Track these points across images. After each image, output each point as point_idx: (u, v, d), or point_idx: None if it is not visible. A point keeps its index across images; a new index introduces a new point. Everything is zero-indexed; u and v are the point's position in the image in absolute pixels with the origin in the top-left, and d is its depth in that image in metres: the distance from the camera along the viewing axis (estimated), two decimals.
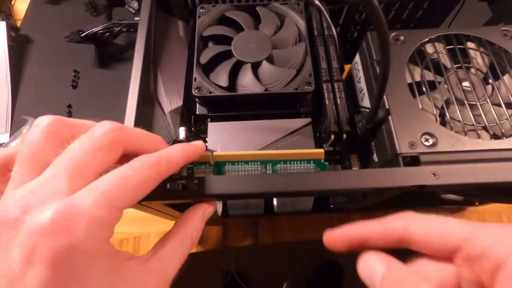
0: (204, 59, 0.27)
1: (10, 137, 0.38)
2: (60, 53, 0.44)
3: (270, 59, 0.28)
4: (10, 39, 0.43)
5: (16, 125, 0.39)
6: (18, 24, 0.47)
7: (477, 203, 0.35)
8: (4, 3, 0.48)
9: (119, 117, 0.22)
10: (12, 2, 0.49)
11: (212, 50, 0.28)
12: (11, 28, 0.44)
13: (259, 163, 0.21)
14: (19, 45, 0.44)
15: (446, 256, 0.15)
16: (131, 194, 0.15)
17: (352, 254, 0.17)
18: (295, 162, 0.21)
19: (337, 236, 0.17)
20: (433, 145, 0.22)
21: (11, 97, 0.40)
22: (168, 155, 0.17)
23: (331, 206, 0.32)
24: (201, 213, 0.19)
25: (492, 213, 0.38)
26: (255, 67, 0.27)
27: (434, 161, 0.22)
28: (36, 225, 0.12)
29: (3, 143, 0.38)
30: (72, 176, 0.14)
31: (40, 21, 0.47)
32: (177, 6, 0.33)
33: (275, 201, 0.28)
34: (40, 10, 0.48)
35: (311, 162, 0.21)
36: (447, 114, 0.23)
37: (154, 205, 0.23)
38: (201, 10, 0.30)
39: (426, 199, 0.32)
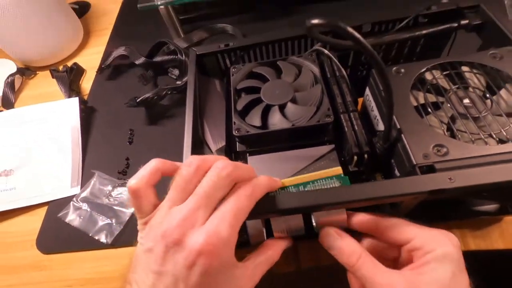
0: (240, 106, 0.34)
1: (81, 188, 0.46)
2: (118, 116, 0.54)
3: (293, 101, 0.33)
4: (81, 110, 0.54)
5: (85, 177, 0.47)
6: (86, 98, 0.58)
7: None
8: (75, 84, 0.60)
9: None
10: (80, 82, 0.62)
11: (245, 99, 0.35)
12: (81, 102, 0.55)
13: (292, 187, 0.27)
14: (87, 114, 0.55)
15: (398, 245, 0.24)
16: (243, 217, 0.21)
17: None
18: (321, 180, 0.25)
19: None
20: (445, 154, 0.25)
21: (82, 155, 0.49)
22: (261, 185, 0.23)
23: None
24: (283, 243, 0.26)
25: None
26: (282, 108, 0.33)
27: (449, 167, 0.24)
28: (194, 248, 0.18)
29: (76, 194, 0.45)
30: (206, 206, 0.20)
31: (102, 94, 0.59)
32: (213, 69, 0.41)
33: (313, 220, 0.32)
34: (101, 85, 0.60)
35: (333, 178, 0.26)
36: (454, 128, 0.27)
37: None
38: (233, 69, 0.38)
39: (460, 210, 0.33)
